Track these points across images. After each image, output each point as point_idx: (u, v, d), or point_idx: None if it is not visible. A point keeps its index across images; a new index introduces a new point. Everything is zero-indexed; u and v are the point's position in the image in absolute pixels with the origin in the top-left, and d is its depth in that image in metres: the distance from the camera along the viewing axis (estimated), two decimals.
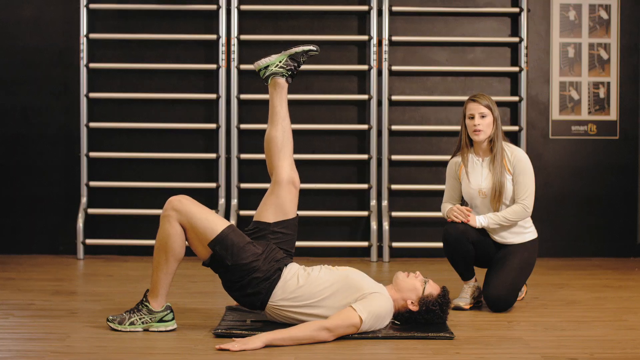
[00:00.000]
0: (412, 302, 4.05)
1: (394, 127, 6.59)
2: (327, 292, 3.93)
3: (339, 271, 4.02)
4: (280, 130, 4.23)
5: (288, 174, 4.18)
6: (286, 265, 4.03)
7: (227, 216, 6.50)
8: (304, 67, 6.52)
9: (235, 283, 3.96)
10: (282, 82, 4.27)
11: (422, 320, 4.07)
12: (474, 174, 4.68)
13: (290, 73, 4.28)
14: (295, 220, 4.18)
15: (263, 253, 3.98)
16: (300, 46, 4.29)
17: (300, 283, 3.96)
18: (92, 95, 6.56)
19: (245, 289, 3.96)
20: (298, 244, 6.22)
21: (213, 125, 6.58)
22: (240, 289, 3.97)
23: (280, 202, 4.15)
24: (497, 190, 4.60)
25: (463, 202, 4.82)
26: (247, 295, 3.97)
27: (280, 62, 4.27)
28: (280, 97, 4.26)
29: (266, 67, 4.27)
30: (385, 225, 6.49)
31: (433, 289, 4.09)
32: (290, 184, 4.18)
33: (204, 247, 3.95)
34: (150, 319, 3.99)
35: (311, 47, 4.29)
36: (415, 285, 4.07)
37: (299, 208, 6.30)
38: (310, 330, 3.79)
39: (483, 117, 4.61)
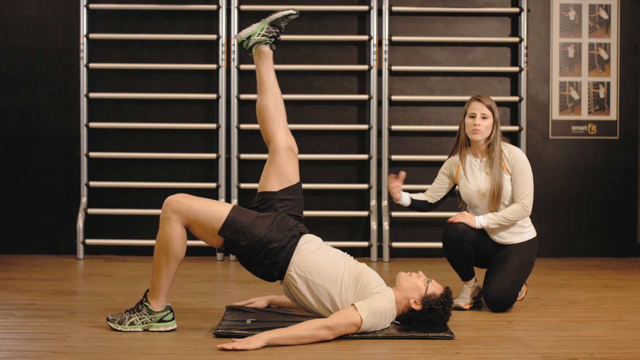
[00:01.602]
0: (414, 301, 4.05)
1: (394, 127, 6.59)
2: (342, 280, 3.94)
3: (356, 265, 4.04)
4: (271, 98, 4.24)
5: (285, 140, 4.19)
6: (302, 233, 4.04)
7: None
8: (304, 66, 6.58)
9: (254, 257, 3.97)
10: (267, 49, 4.27)
11: (424, 320, 4.07)
12: (472, 175, 4.68)
13: (273, 40, 4.28)
14: (299, 185, 4.21)
15: (274, 223, 3.98)
16: (279, 12, 4.29)
17: (322, 263, 3.97)
18: (92, 95, 6.56)
19: (263, 261, 3.97)
20: None
21: (213, 125, 6.58)
22: (259, 262, 3.98)
23: (282, 170, 4.16)
24: (496, 193, 4.60)
25: (462, 204, 4.82)
26: (265, 266, 3.98)
27: (261, 30, 4.28)
28: (266, 65, 4.27)
29: (248, 38, 4.29)
30: (385, 225, 6.49)
31: (436, 288, 4.09)
32: (289, 150, 4.20)
33: (215, 236, 3.96)
34: (150, 319, 3.99)
35: (291, 11, 4.29)
36: (418, 284, 4.07)
37: None
38: (311, 329, 3.79)
39: (484, 118, 4.61)
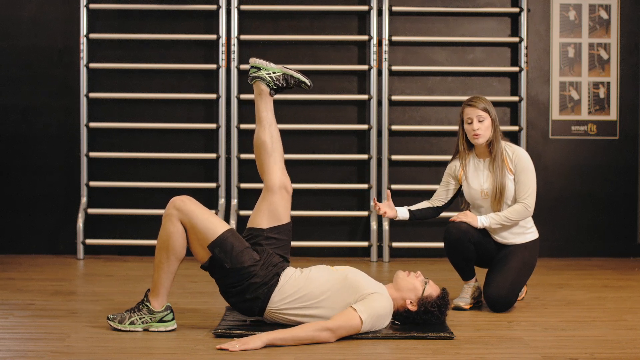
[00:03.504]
0: (411, 302, 4.05)
1: (394, 127, 6.59)
2: (327, 293, 3.93)
3: (338, 272, 4.01)
4: (269, 135, 4.20)
5: (280, 179, 4.16)
6: (284, 269, 4.03)
7: (227, 216, 6.50)
8: (304, 66, 6.57)
9: (234, 288, 3.95)
10: (266, 90, 4.24)
11: (419, 321, 4.06)
12: (476, 176, 4.68)
13: (275, 87, 4.25)
14: (289, 225, 4.17)
15: (261, 259, 3.97)
16: (298, 73, 4.26)
17: (300, 285, 3.96)
18: (92, 95, 6.56)
19: (243, 294, 3.95)
20: (298, 244, 6.28)
21: (213, 125, 6.58)
22: (238, 294, 3.97)
23: (273, 208, 4.13)
24: (498, 192, 4.60)
25: (465, 204, 4.82)
26: (245, 300, 3.97)
27: (274, 73, 4.24)
28: (265, 104, 4.23)
29: (259, 69, 4.26)
30: (385, 225, 6.49)
31: (433, 290, 4.08)
32: (283, 189, 4.16)
33: (204, 249, 3.95)
34: (150, 318, 3.99)
35: (306, 81, 4.27)
36: (415, 285, 4.07)
37: (299, 208, 6.37)
38: (311, 331, 3.78)
39: (481, 120, 4.60)
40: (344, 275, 3.98)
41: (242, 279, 3.93)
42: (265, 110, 4.23)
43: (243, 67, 6.55)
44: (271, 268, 3.98)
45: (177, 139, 6.66)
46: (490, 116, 4.61)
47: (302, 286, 3.95)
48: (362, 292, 3.92)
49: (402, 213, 4.71)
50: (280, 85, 4.24)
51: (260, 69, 4.24)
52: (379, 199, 6.56)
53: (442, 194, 4.81)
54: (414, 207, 4.78)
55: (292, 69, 4.26)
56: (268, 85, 4.23)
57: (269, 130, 4.21)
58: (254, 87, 4.27)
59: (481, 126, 4.59)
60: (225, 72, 6.57)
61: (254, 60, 4.26)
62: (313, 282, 3.96)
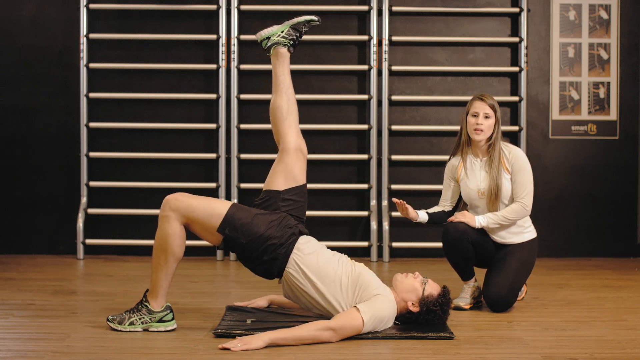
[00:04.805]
0: (412, 304, 4.05)
1: (394, 127, 6.59)
2: (339, 281, 3.93)
3: (354, 266, 4.03)
4: (285, 98, 4.27)
5: (295, 141, 4.22)
6: (301, 232, 4.04)
7: None
8: (304, 66, 6.58)
9: (253, 253, 3.96)
10: (284, 51, 4.31)
11: (423, 321, 4.06)
12: (473, 175, 4.68)
13: (292, 43, 4.32)
14: (304, 186, 4.20)
15: (274, 220, 3.98)
16: (302, 16, 4.35)
17: (320, 264, 3.95)
18: (92, 95, 6.56)
19: (262, 256, 3.96)
20: None
21: (213, 125, 6.58)
22: (257, 258, 3.97)
23: (289, 169, 4.16)
24: (494, 192, 4.60)
25: (463, 204, 4.82)
26: (264, 262, 3.97)
27: (282, 32, 4.32)
28: (282, 67, 4.29)
29: (268, 38, 4.32)
30: (385, 225, 6.49)
31: (433, 288, 4.08)
32: (298, 150, 4.22)
33: (213, 234, 3.96)
34: (149, 319, 3.99)
35: (312, 17, 4.36)
36: (414, 286, 4.06)
37: None
38: (313, 330, 3.78)
39: (487, 117, 4.60)
40: (359, 272, 3.99)
41: (260, 244, 3.94)
42: (283, 73, 4.29)
43: (243, 67, 6.55)
44: (287, 229, 3.99)
45: (177, 139, 6.66)
46: (496, 116, 4.62)
47: (322, 266, 3.94)
48: (368, 292, 3.92)
49: (422, 215, 4.74)
50: (294, 37, 4.31)
51: (270, 37, 4.31)
52: (379, 199, 6.56)
53: (448, 197, 4.82)
54: (430, 210, 4.81)
55: (295, 18, 4.33)
56: (285, 45, 4.30)
57: (285, 94, 4.27)
58: (272, 55, 4.32)
59: (485, 122, 4.59)
60: (225, 72, 6.57)
61: (260, 34, 4.33)
62: (332, 267, 3.96)
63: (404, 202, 4.64)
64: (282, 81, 4.28)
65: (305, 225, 4.15)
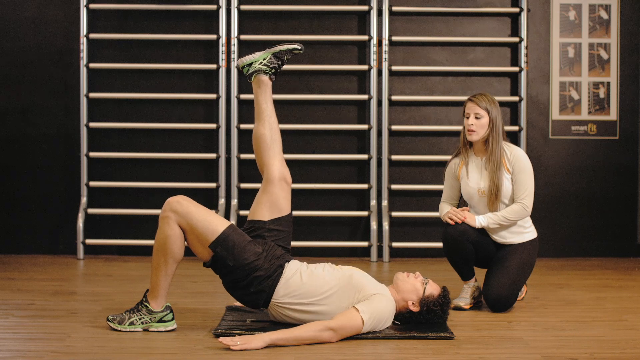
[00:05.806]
0: (412, 303, 4.06)
1: (394, 127, 6.59)
2: (331, 290, 3.93)
3: (342, 270, 4.02)
4: (268, 127, 4.23)
5: (279, 171, 4.18)
6: (287, 262, 4.03)
7: (227, 216, 6.50)
8: (304, 66, 6.58)
9: (238, 282, 3.96)
10: (266, 79, 4.27)
11: (422, 321, 4.07)
12: (474, 174, 4.68)
13: (273, 71, 4.28)
14: (289, 216, 4.18)
15: (264, 252, 3.97)
16: (284, 44, 4.30)
17: (304, 280, 3.96)
18: (92, 95, 6.56)
19: (248, 288, 3.95)
20: (298, 244, 6.28)
21: (213, 125, 6.58)
22: (243, 288, 3.97)
23: (274, 200, 4.15)
24: (494, 192, 4.60)
25: (462, 202, 4.82)
26: (250, 294, 3.97)
27: (264, 59, 4.27)
28: (264, 95, 4.26)
29: (250, 65, 4.28)
30: (385, 225, 6.49)
31: (433, 289, 4.09)
32: (282, 180, 4.18)
33: (205, 248, 3.94)
34: (149, 319, 3.99)
35: (295, 46, 4.31)
36: (415, 286, 4.07)
37: (299, 208, 6.36)
38: (313, 331, 3.78)
39: (478, 118, 4.61)
40: (350, 274, 3.99)
41: (247, 274, 3.93)
42: (265, 102, 4.25)
43: None
44: (274, 260, 3.98)
45: (177, 139, 6.66)
46: (490, 116, 4.61)
47: (307, 282, 3.95)
48: (365, 293, 3.92)
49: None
50: (276, 66, 4.27)
51: (252, 64, 4.27)
52: (379, 199, 6.56)
53: (451, 197, 4.81)
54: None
55: (277, 45, 4.29)
56: (266, 73, 4.26)
57: (268, 123, 4.23)
58: (253, 83, 4.29)
59: (476, 123, 4.59)
60: (225, 72, 6.57)
61: (241, 61, 4.30)
62: (318, 279, 3.96)
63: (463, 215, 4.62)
64: (264, 109, 4.24)
65: (290, 254, 4.14)
